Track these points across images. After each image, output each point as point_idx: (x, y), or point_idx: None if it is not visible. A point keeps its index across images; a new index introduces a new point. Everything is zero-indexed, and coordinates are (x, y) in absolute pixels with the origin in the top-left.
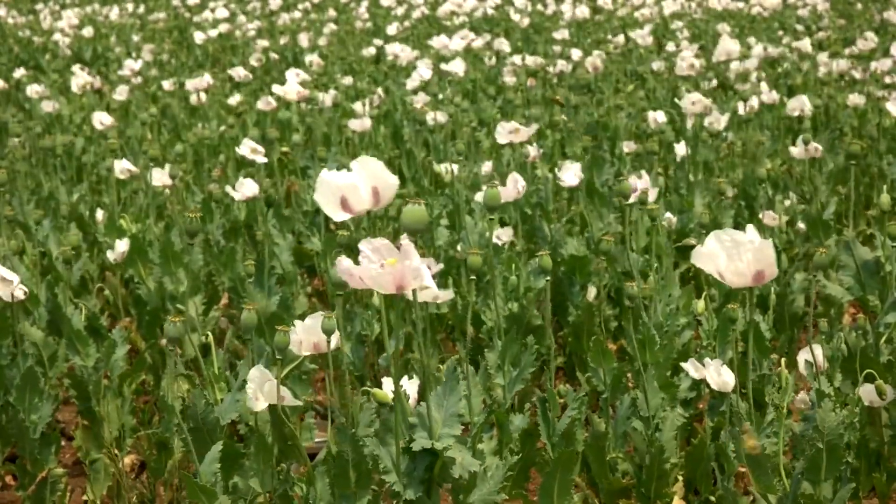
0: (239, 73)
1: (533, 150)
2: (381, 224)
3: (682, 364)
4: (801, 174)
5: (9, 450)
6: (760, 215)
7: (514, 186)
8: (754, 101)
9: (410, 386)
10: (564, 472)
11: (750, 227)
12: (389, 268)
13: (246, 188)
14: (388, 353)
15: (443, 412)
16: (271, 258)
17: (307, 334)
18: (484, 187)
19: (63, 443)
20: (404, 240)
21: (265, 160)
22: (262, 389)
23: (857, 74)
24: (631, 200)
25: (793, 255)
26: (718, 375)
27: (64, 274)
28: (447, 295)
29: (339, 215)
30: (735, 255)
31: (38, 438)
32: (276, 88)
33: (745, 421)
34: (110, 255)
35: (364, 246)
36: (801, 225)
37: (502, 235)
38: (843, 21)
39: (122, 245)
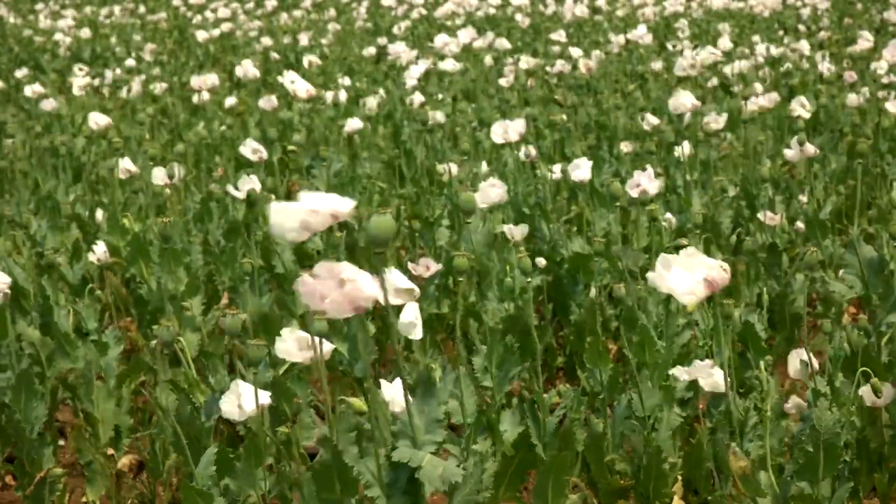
0: (248, 71)
1: (532, 150)
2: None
3: (673, 371)
4: (801, 174)
5: (8, 450)
6: (760, 214)
7: (493, 190)
8: (758, 100)
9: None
10: (558, 474)
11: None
12: (339, 292)
13: (248, 186)
14: (365, 363)
15: (423, 418)
16: (272, 257)
17: (301, 343)
18: (460, 191)
19: (62, 443)
20: (348, 267)
21: (265, 158)
22: (241, 400)
23: (852, 75)
24: (634, 195)
25: (793, 254)
26: (709, 377)
27: (62, 273)
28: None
29: (300, 236)
30: (678, 273)
31: (34, 439)
32: (286, 79)
33: (732, 444)
34: (91, 257)
35: (318, 269)
36: (799, 224)
37: (515, 233)
38: (849, 19)
39: (101, 246)
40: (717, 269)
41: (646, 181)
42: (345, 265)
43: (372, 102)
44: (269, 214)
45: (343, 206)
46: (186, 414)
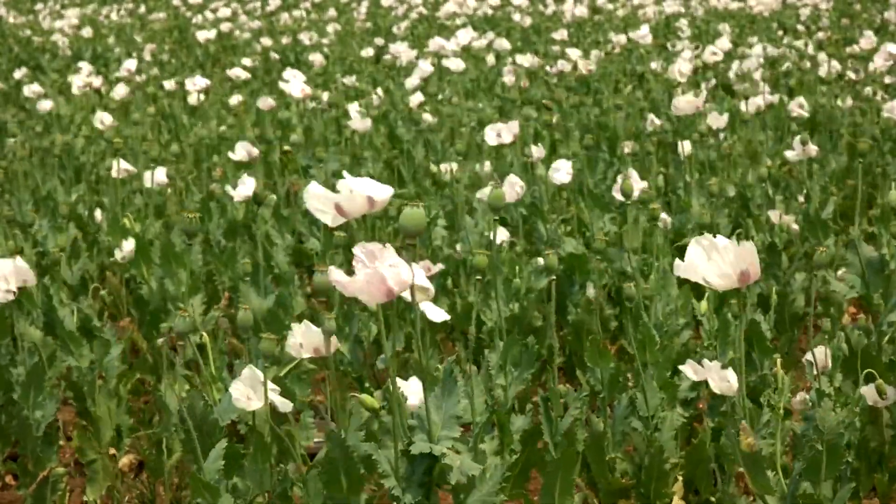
0: (238, 73)
1: (536, 151)
2: (380, 224)
3: (681, 367)
4: (800, 174)
5: (9, 449)
6: (772, 213)
7: (511, 189)
8: (759, 101)
9: (413, 387)
10: (566, 472)
11: (720, 237)
12: (372, 274)
13: (245, 187)
14: (387, 355)
15: (441, 414)
16: (268, 257)
17: (307, 338)
18: (488, 188)
19: (62, 442)
20: (388, 248)
21: (256, 157)
22: (253, 390)
23: (853, 75)
24: (634, 196)
25: (792, 254)
26: (721, 380)
27: (60, 273)
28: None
29: (335, 220)
30: (717, 259)
31: (40, 437)
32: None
33: (743, 420)
34: (118, 254)
35: (358, 250)
36: (794, 226)
37: (501, 237)
38: (846, 20)
39: (129, 244)
40: (754, 265)
41: (633, 182)
42: (388, 250)
43: (355, 108)
44: (305, 199)
45: (381, 192)
46: (198, 410)
